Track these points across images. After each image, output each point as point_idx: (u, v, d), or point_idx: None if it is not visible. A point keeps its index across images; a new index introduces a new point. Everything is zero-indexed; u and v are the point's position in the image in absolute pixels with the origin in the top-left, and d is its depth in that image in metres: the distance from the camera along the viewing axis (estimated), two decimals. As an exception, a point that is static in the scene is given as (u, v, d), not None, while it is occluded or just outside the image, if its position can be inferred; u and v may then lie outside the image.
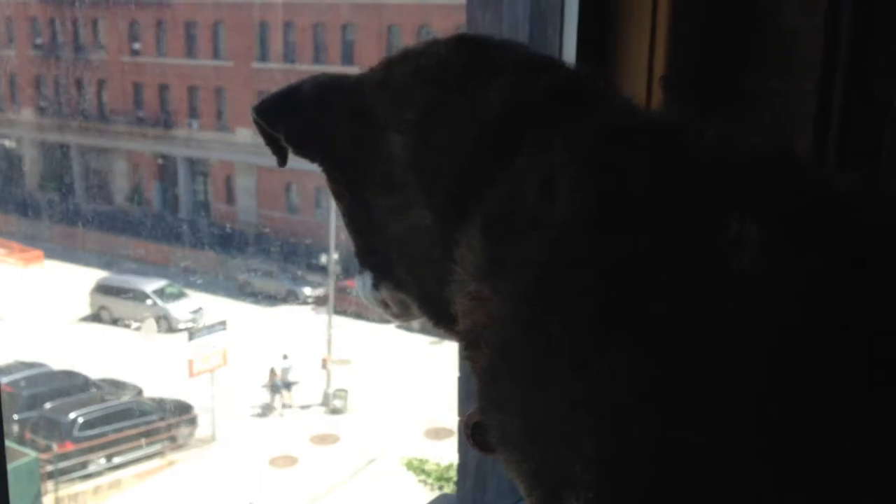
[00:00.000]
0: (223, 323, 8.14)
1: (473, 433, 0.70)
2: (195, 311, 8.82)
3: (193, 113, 10.31)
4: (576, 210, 0.61)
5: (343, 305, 8.85)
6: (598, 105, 0.70)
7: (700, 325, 0.54)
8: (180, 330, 8.57)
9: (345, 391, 8.32)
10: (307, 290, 9.23)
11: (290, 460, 7.69)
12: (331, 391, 8.38)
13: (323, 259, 8.89)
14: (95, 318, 8.78)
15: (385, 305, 0.83)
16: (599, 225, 0.60)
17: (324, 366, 8.47)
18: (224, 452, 7.76)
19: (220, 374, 7.77)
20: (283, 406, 8.25)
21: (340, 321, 8.68)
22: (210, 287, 8.91)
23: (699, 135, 0.63)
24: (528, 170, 0.65)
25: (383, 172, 0.74)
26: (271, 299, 9.34)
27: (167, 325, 8.64)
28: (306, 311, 9.12)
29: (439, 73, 0.73)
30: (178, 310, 8.78)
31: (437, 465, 6.98)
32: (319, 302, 9.08)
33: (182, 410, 7.91)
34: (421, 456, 7.23)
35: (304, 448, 7.86)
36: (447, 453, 7.27)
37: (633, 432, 0.54)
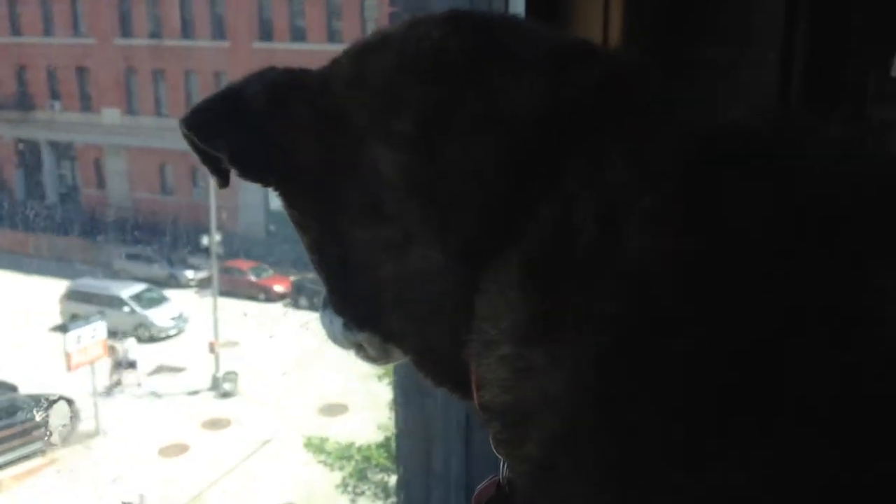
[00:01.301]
0: (101, 312, 7.81)
1: None
2: (177, 318, 8.27)
3: (54, 94, 9.79)
4: (669, 252, 0.46)
5: (227, 287, 8.65)
6: (666, 107, 0.53)
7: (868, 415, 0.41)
8: (161, 339, 8.06)
9: (234, 374, 8.13)
10: (189, 274, 8.95)
11: (181, 448, 7.47)
12: (220, 375, 8.18)
13: (204, 241, 8.63)
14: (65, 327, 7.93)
15: (359, 348, 0.67)
16: (710, 273, 0.46)
17: (211, 349, 8.25)
18: (109, 445, 7.47)
19: (101, 365, 7.46)
20: (137, 385, 7.86)
21: (226, 303, 8.48)
22: (83, 276, 8.54)
23: (819, 145, 0.50)
24: (579, 197, 0.50)
25: (367, 198, 0.57)
26: (152, 285, 9.03)
27: (148, 333, 8.07)
28: (190, 294, 8.87)
29: (437, 68, 0.57)
30: (159, 316, 8.17)
31: (338, 443, 6.91)
32: (203, 285, 8.84)
33: (61, 405, 7.57)
34: (319, 434, 7.14)
35: (195, 434, 7.65)
36: (344, 430, 7.20)
37: None
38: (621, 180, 0.49)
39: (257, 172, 0.62)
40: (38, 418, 7.54)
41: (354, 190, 0.58)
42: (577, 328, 0.48)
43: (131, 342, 7.87)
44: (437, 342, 0.59)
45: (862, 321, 0.43)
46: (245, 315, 8.65)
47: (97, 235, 9.28)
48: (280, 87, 0.60)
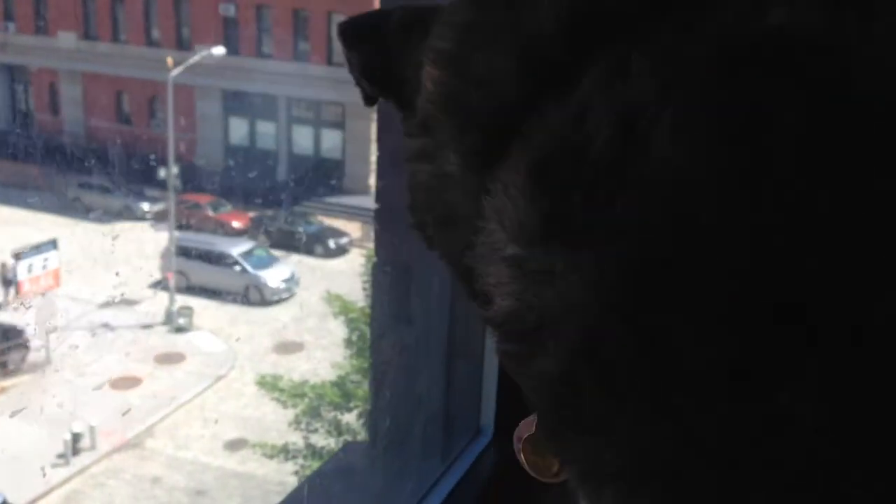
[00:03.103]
0: (53, 241, 7.63)
1: (526, 450, 0.58)
2: (288, 280, 7.66)
3: (8, 15, 9.46)
4: (701, 163, 0.44)
5: (184, 221, 8.52)
6: (700, 10, 0.49)
7: None
8: (273, 302, 7.49)
9: (190, 308, 8.07)
10: (145, 206, 8.79)
11: (133, 381, 7.42)
12: (174, 309, 8.11)
13: (161, 173, 8.47)
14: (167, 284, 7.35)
15: None
16: (746, 185, 0.43)
17: (166, 283, 8.17)
18: (60, 376, 7.40)
19: (54, 295, 7.34)
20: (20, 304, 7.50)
21: (183, 237, 8.37)
22: (35, 204, 8.35)
23: (861, 47, 0.46)
24: (596, 101, 0.47)
25: (422, 113, 0.59)
26: (105, 215, 8.86)
27: (259, 295, 7.50)
28: (145, 227, 8.72)
29: None
30: (271, 277, 7.57)
31: (291, 381, 6.92)
32: (159, 217, 8.69)
33: (11, 335, 7.45)
34: (273, 372, 7.14)
35: (148, 368, 7.60)
36: (298, 367, 7.21)
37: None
38: (645, 86, 0.47)
39: (380, 88, 0.66)
40: (-14, 348, 7.43)
41: (414, 104, 0.60)
42: (597, 233, 0.46)
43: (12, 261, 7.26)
44: (456, 249, 0.58)
45: None
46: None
47: (51, 163, 9.06)
48: (410, 16, 0.63)
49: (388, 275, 1.50)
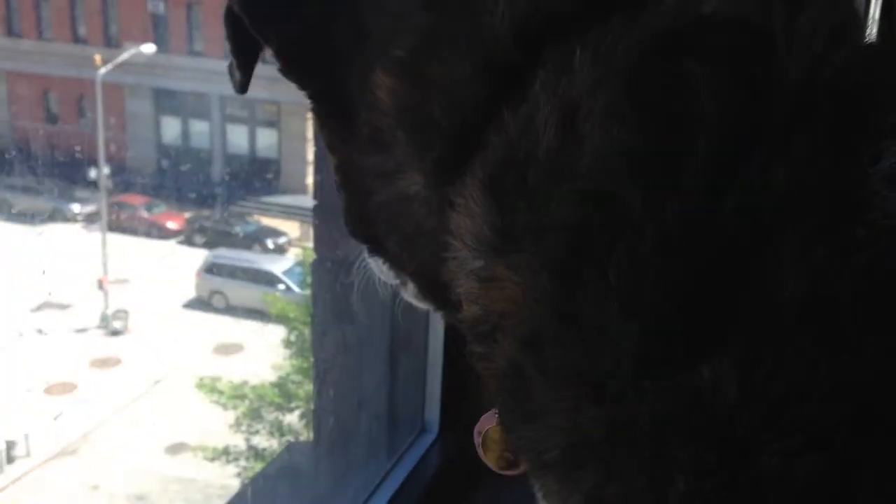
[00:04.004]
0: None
1: (485, 443, 0.60)
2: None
3: (-74, 12, 9.16)
4: (618, 149, 0.45)
5: (117, 222, 8.35)
6: (643, 4, 0.50)
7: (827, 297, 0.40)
8: None
9: (125, 311, 7.92)
10: (76, 208, 8.58)
11: (69, 387, 7.26)
12: (109, 312, 7.95)
13: (92, 173, 8.28)
14: (205, 303, 6.91)
15: (403, 284, 0.68)
16: (656, 169, 0.44)
17: (100, 286, 8.01)
18: (-11, 384, 7.21)
19: (-18, 301, 7.13)
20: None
21: (115, 239, 8.20)
22: (-41, 207, 8.12)
23: (791, 35, 0.46)
24: (542, 102, 0.48)
25: (369, 126, 0.58)
26: (34, 218, 8.64)
27: None
28: (76, 229, 8.52)
29: None
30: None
31: (231, 382, 6.85)
32: (90, 219, 8.49)
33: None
34: (211, 375, 7.05)
35: (83, 373, 7.44)
36: (238, 369, 7.13)
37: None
38: (584, 81, 0.48)
39: (300, 73, 0.62)
40: None
41: (362, 117, 0.58)
42: (534, 236, 0.48)
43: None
44: (425, 264, 0.59)
45: (857, 207, 0.42)
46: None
47: (-25, 165, 8.79)
48: None
49: (328, 271, 1.49)
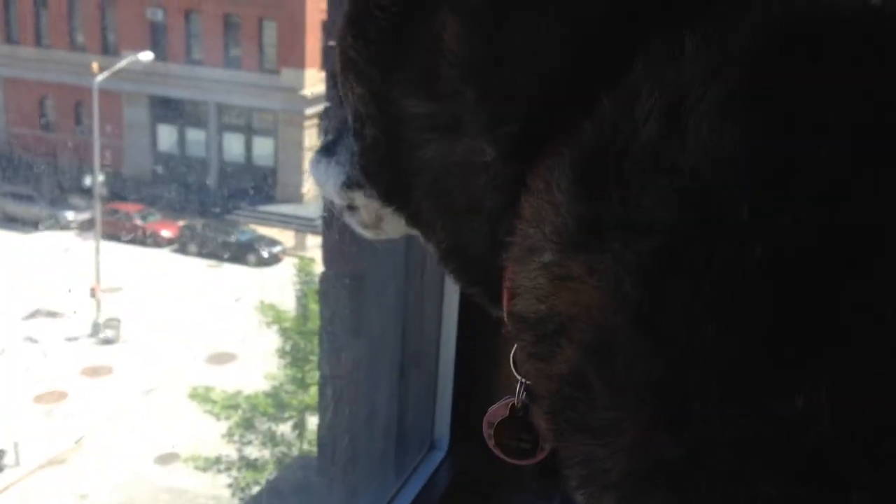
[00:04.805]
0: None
1: (498, 434, 0.57)
2: None
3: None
4: (728, 148, 0.40)
5: (111, 230, 8.32)
6: None
7: None
8: None
9: (117, 320, 7.87)
10: (70, 215, 8.54)
11: (59, 395, 7.21)
12: (101, 321, 7.90)
13: (87, 181, 8.24)
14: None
15: (352, 210, 0.63)
16: (770, 175, 0.40)
17: (92, 294, 7.96)
18: (-21, 391, 7.16)
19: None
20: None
21: (109, 247, 8.16)
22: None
23: None
24: (645, 89, 0.44)
25: (426, 68, 0.51)
26: (28, 225, 8.60)
27: None
28: (70, 236, 8.47)
29: None
30: None
31: (224, 392, 6.81)
32: (84, 227, 8.45)
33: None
34: (205, 384, 7.00)
35: (74, 381, 7.39)
36: (231, 379, 7.08)
37: None
38: (693, 70, 0.44)
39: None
40: None
41: (418, 55, 0.52)
42: (622, 236, 0.43)
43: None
44: (470, 241, 0.54)
45: None
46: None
47: (-30, 171, 8.77)
48: None
49: (337, 285, 1.47)
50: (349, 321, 1.42)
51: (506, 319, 0.52)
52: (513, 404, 0.60)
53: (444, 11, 0.51)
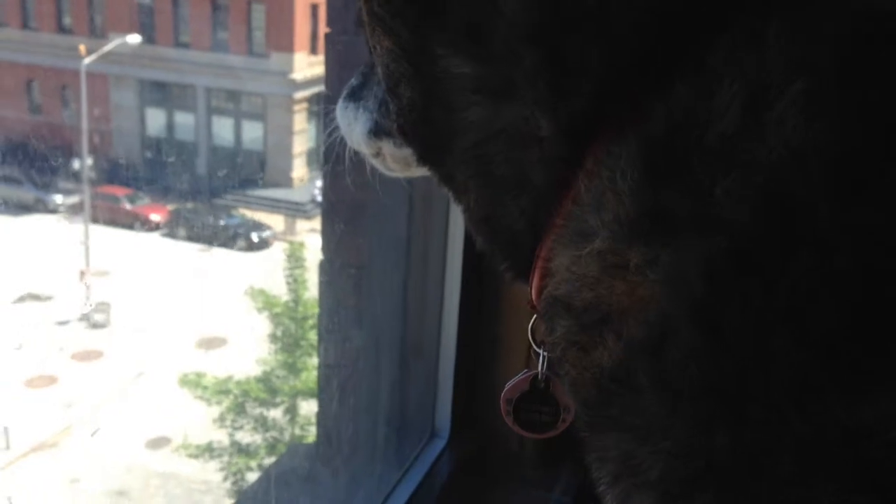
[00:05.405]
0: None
1: (517, 410, 0.56)
2: None
3: None
4: (814, 145, 0.38)
5: (100, 214, 8.27)
6: None
7: None
8: None
9: (107, 304, 7.84)
10: (58, 198, 8.49)
11: (49, 380, 7.19)
12: (91, 304, 7.87)
13: (76, 164, 8.18)
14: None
15: (378, 155, 0.58)
16: (859, 177, 0.37)
17: (81, 278, 7.93)
18: (-32, 375, 7.12)
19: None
20: None
21: (98, 231, 8.12)
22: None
23: None
24: (726, 77, 0.42)
25: (475, 24, 0.47)
26: (15, 208, 8.53)
27: None
28: (58, 220, 8.42)
29: None
30: None
31: (215, 378, 6.80)
32: (73, 210, 8.40)
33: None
34: (196, 370, 6.99)
35: (65, 366, 7.36)
36: (222, 364, 7.07)
37: None
38: (778, 59, 0.41)
39: None
40: None
41: (462, 8, 0.47)
42: (690, 230, 0.41)
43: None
44: (508, 215, 0.51)
45: None
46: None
47: (-43, 154, 8.67)
48: None
49: (337, 274, 1.47)
50: (351, 311, 1.43)
51: (533, 298, 0.50)
52: (534, 377, 0.59)
53: None
